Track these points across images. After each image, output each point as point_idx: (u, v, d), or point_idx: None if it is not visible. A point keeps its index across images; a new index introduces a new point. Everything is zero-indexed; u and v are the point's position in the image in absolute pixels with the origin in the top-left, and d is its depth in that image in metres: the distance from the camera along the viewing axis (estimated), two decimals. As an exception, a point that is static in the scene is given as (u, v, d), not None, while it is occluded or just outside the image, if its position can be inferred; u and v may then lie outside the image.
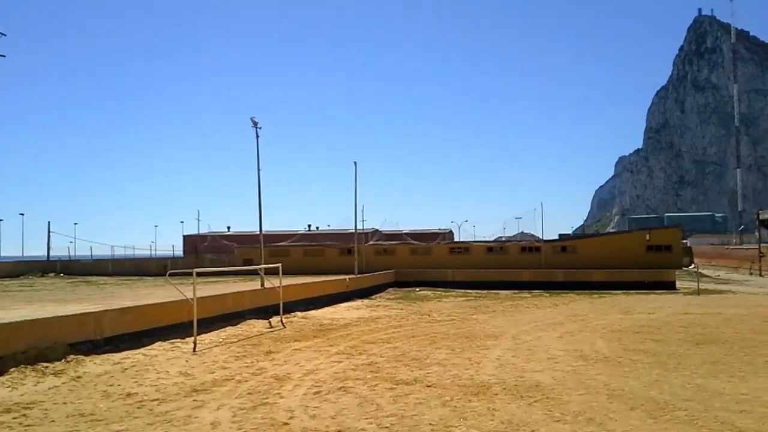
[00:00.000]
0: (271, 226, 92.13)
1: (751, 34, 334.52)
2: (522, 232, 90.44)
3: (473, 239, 76.02)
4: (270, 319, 23.48)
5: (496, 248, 64.07)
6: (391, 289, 41.62)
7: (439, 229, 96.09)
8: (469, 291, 39.51)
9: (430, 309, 28.83)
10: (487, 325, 22.72)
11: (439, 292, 38.97)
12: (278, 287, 24.66)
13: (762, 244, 64.03)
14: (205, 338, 19.16)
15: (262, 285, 27.42)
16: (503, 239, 79.14)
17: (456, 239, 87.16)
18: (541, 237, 69.35)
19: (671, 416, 10.06)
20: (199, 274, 19.16)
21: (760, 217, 73.56)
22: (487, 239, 76.55)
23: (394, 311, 27.97)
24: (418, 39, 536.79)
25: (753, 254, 62.94)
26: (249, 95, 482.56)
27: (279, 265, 25.28)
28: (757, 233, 75.18)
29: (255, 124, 30.48)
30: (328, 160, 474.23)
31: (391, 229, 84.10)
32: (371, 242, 68.94)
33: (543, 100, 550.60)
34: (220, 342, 18.79)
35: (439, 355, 16.04)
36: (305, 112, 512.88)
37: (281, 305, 24.14)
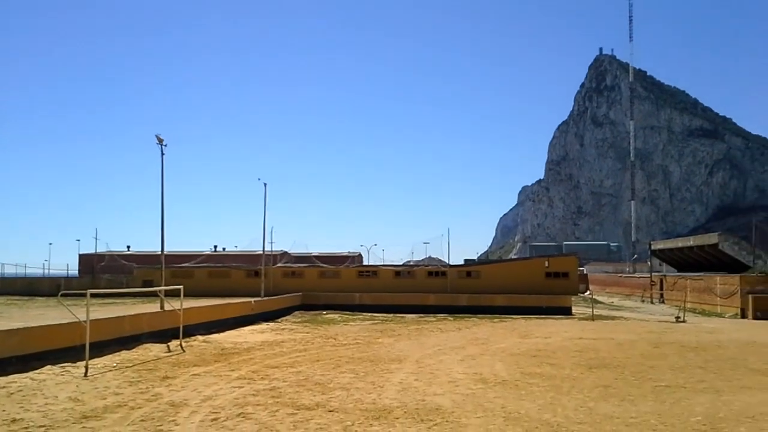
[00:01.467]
0: (174, 246, 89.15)
1: (648, 73, 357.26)
2: (430, 257, 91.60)
3: (382, 263, 76.53)
4: (169, 343, 22.68)
5: (403, 272, 64.71)
6: (298, 312, 41.15)
7: (349, 252, 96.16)
8: (376, 314, 39.66)
9: (337, 332, 28.70)
10: (391, 348, 22.83)
11: (346, 316, 38.89)
12: (179, 309, 23.89)
13: (653, 273, 67.84)
14: (98, 362, 18.27)
15: (162, 307, 26.49)
16: (411, 263, 79.98)
17: (365, 263, 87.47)
18: (447, 262, 70.69)
19: (563, 438, 10.41)
20: (94, 296, 18.30)
21: (652, 247, 78.05)
22: (396, 263, 77.22)
23: (300, 335, 27.67)
24: (326, 62, 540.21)
25: (645, 282, 66.51)
26: (154, 110, 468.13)
27: (180, 286, 24.52)
28: (649, 262, 79.58)
29: (160, 141, 29.66)
30: (236, 179, 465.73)
31: (301, 252, 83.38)
32: (279, 264, 68.04)
33: (451, 129, 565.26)
34: (114, 367, 17.95)
35: (342, 380, 15.96)
36: (213, 130, 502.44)
37: (181, 328, 23.37)
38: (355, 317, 37.92)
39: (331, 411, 12.29)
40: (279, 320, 35.45)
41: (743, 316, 42.56)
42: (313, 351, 22.05)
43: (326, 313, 40.19)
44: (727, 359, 20.78)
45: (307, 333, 28.49)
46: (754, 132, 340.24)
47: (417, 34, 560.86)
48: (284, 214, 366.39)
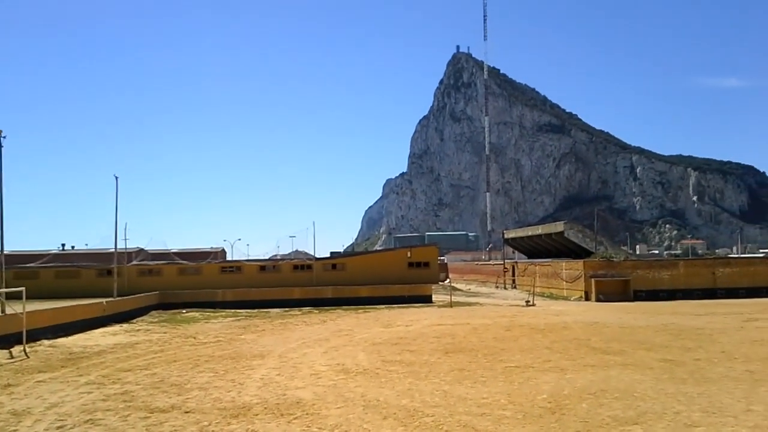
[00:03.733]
0: (16, 245, 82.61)
1: (501, 71, 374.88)
2: (296, 251, 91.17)
3: (247, 258, 75.09)
4: (11, 349, 21.01)
5: (268, 267, 63.85)
6: (155, 311, 39.38)
7: (211, 247, 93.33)
8: (239, 311, 38.85)
9: (197, 331, 27.83)
10: (254, 344, 22.50)
11: (208, 313, 37.81)
12: (21, 313, 22.15)
13: (507, 260, 71.66)
14: (-75, 375, 16.57)
15: (2, 311, 24.47)
16: (278, 257, 79.13)
17: (229, 258, 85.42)
18: (314, 255, 70.68)
19: (420, 423, 10.76)
20: None
21: (505, 236, 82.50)
22: (262, 258, 76.06)
23: (156, 335, 26.53)
24: (189, 54, 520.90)
25: (499, 269, 70.13)
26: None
27: (23, 288, 22.75)
28: (503, 250, 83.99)
29: (-3, 131, 27.30)
30: (86, 175, 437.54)
31: (158, 249, 79.87)
32: (135, 262, 64.81)
33: (316, 124, 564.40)
34: (-56, 378, 16.35)
35: (201, 379, 15.53)
36: (59, 121, 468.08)
37: (24, 333, 21.69)
38: (217, 314, 36.96)
39: (187, 412, 11.93)
40: (134, 321, 33.79)
41: (587, 298, 46.01)
42: (170, 351, 21.24)
43: (186, 312, 38.85)
44: (571, 339, 22.39)
45: (165, 333, 27.38)
46: (597, 127, 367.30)
47: (278, 33, 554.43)
48: (140, 211, 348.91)
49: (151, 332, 27.87)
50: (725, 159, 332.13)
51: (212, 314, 37.16)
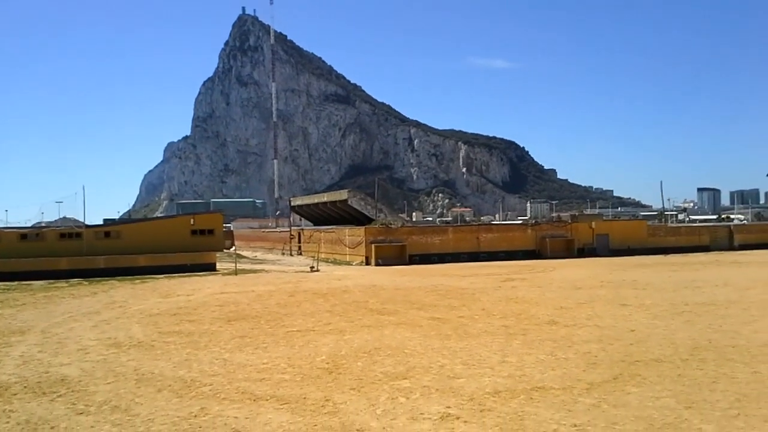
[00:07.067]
0: None
1: (288, 37, 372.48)
2: (64, 217, 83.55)
3: (5, 225, 67.33)
4: None
5: (30, 235, 57.80)
6: None
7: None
8: (-5, 284, 34.95)
9: (-59, 308, 24.55)
10: (13, 319, 20.39)
11: (-44, 288, 33.49)
12: None
13: (293, 227, 72.32)
14: None
15: None
16: (42, 225, 71.99)
17: (-19, 226, 75.99)
18: (83, 222, 65.31)
19: (197, 392, 10.56)
20: None
21: (292, 203, 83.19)
22: (23, 225, 68.67)
23: None
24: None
25: (285, 236, 70.59)
26: None
27: None
28: (290, 218, 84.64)
29: None
30: None
31: None
32: None
33: (88, 78, 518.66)
34: None
35: (-55, 361, 13.79)
36: None
37: None
38: (-33, 289, 32.87)
39: (-72, 397, 10.57)
40: None
41: (368, 263, 48.16)
42: None
43: (-72, 287, 34.04)
44: (351, 302, 23.34)
45: None
46: (380, 100, 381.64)
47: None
48: None
49: None
50: (491, 134, 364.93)
51: (-39, 289, 32.99)
